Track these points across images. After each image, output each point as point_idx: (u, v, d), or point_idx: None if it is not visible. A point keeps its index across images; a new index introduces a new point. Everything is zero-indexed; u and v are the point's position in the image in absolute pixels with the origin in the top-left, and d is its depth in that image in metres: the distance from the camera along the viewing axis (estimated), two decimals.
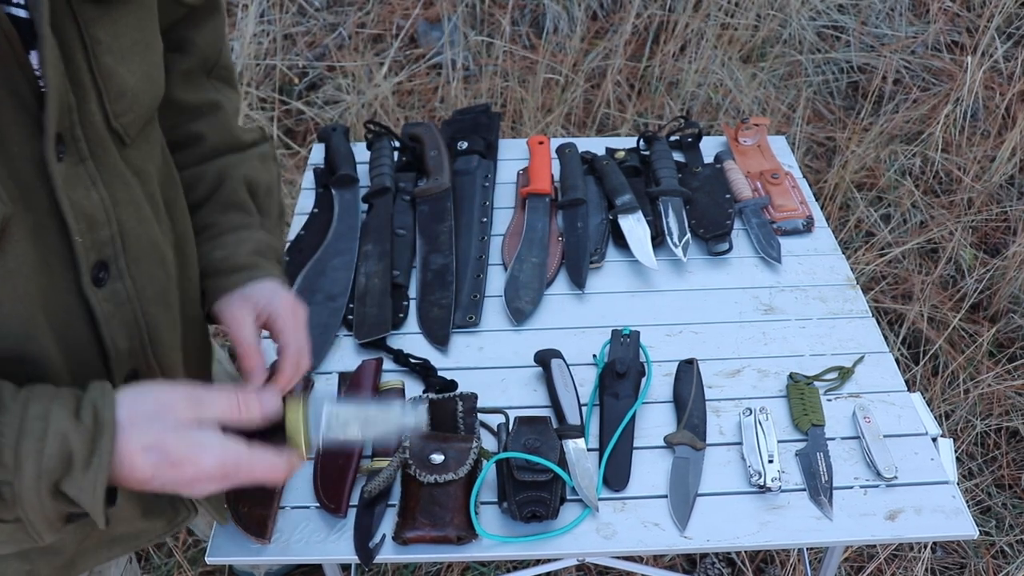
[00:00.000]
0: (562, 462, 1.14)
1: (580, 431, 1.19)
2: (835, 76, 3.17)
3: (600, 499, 1.14)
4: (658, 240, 1.52)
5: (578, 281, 1.47)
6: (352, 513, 1.12)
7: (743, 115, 2.88)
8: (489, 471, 1.14)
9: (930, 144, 2.82)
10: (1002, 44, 3.04)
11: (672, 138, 1.77)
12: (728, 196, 1.61)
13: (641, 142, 1.76)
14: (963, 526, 1.12)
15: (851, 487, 1.17)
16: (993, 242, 2.70)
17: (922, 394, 1.51)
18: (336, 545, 1.09)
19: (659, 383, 1.30)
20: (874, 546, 1.92)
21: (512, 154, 1.78)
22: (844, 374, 1.32)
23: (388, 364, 1.32)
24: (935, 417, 1.41)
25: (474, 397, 1.23)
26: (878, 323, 1.43)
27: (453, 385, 1.27)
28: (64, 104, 0.68)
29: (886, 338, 2.12)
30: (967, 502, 1.34)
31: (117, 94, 0.74)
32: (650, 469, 1.18)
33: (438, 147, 1.67)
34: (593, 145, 1.76)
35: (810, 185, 1.92)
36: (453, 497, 1.09)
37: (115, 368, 0.78)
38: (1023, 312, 2.42)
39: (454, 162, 1.68)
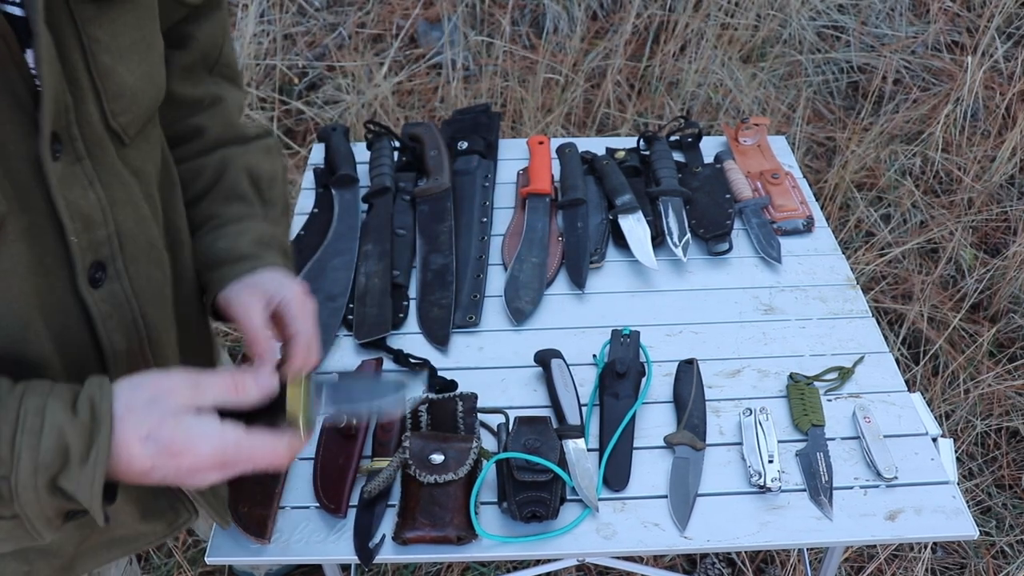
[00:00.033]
0: (562, 462, 1.14)
1: (580, 431, 1.19)
2: (835, 76, 3.17)
3: (600, 499, 1.14)
4: (658, 240, 1.52)
5: (578, 281, 1.46)
6: (352, 513, 1.11)
7: (743, 115, 2.88)
8: (489, 471, 1.14)
9: (930, 144, 2.82)
10: (1002, 44, 3.04)
11: (672, 138, 1.77)
12: (728, 196, 1.61)
13: (641, 142, 1.76)
14: (963, 526, 1.12)
15: (851, 487, 1.16)
16: (993, 242, 2.70)
17: (922, 394, 1.50)
18: (336, 545, 1.09)
19: (659, 383, 1.30)
20: (874, 546, 1.92)
21: (512, 154, 1.78)
22: (844, 374, 1.31)
23: (388, 364, 1.32)
24: (935, 417, 1.40)
25: (474, 397, 1.23)
26: (878, 323, 1.43)
27: (453, 385, 1.27)
28: (60, 103, 0.68)
29: (886, 338, 2.12)
30: (967, 502, 1.33)
31: (115, 93, 0.73)
32: (650, 469, 1.18)
33: (438, 147, 1.67)
34: (593, 145, 1.76)
35: (810, 185, 1.92)
36: (453, 497, 1.09)
37: (112, 369, 0.78)
38: (1023, 312, 2.42)
39: (454, 162, 1.68)
